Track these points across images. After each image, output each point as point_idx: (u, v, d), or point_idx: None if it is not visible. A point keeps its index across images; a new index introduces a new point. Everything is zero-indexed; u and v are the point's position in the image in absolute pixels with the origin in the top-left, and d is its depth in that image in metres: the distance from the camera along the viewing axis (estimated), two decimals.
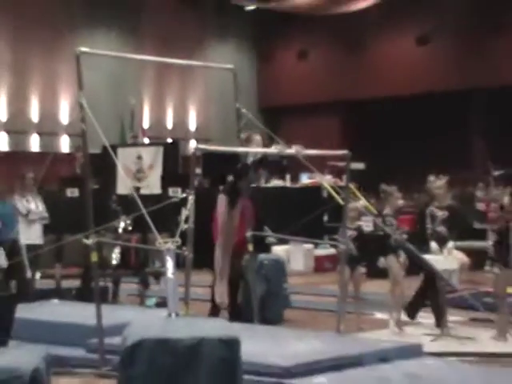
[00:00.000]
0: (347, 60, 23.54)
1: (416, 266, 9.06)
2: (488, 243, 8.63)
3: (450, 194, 9.57)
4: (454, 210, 8.92)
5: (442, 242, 8.61)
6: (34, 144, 20.25)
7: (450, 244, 8.62)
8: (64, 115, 20.62)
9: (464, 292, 9.01)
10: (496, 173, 11.27)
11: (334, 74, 23.64)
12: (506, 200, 8.68)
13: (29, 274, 9.12)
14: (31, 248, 9.28)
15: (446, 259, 8.52)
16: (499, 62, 20.78)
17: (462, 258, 8.75)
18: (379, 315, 9.48)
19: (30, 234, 9.49)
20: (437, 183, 8.96)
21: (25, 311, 6.55)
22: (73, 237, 9.85)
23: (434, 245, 8.61)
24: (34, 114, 20.30)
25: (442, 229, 8.65)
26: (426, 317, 9.56)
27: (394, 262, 8.78)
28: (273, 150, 7.06)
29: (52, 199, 10.15)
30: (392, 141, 22.45)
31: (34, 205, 9.65)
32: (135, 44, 21.18)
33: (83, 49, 6.51)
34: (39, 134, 20.20)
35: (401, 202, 12.76)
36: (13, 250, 9.14)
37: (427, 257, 8.50)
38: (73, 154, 16.21)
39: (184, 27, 23.00)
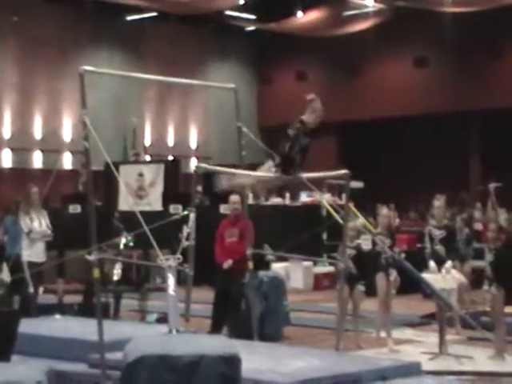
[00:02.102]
0: (346, 81, 23.70)
1: (414, 285, 9.13)
2: (485, 263, 8.69)
3: (448, 214, 9.67)
4: (452, 230, 9.01)
5: (440, 262, 8.69)
6: (37, 161, 20.39)
7: (448, 264, 8.69)
8: (67, 133, 20.78)
9: (462, 311, 9.07)
10: (493, 185, 11.39)
11: (332, 95, 23.72)
12: (503, 220, 8.77)
13: (31, 289, 9.14)
14: (33, 264, 9.33)
15: (444, 278, 8.59)
16: (496, 86, 20.96)
17: (459, 277, 8.83)
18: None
19: (32, 252, 9.48)
20: (435, 203, 9.06)
21: (27, 326, 6.60)
22: (75, 253, 9.94)
23: (432, 264, 8.69)
24: (38, 132, 20.47)
25: (440, 248, 8.74)
26: (424, 335, 9.63)
27: (382, 280, 8.87)
28: (273, 174, 7.07)
29: (54, 215, 10.21)
30: (390, 162, 22.59)
31: (38, 223, 9.59)
32: (137, 64, 21.39)
33: (87, 68, 6.58)
34: (42, 151, 20.34)
35: (397, 221, 12.87)
36: (16, 265, 9.20)
37: (425, 276, 8.57)
38: (76, 171, 16.33)
39: (185, 48, 23.22)
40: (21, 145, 20.02)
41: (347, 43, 22.46)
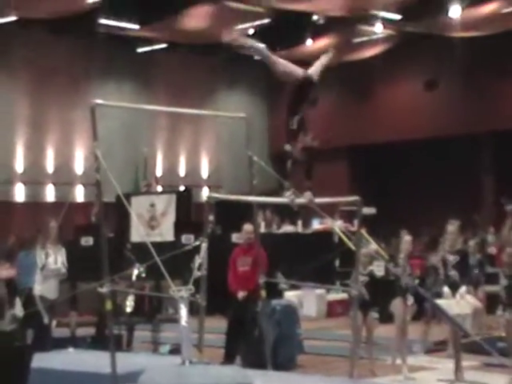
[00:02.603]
0: (356, 106, 23.77)
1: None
2: (500, 288, 8.61)
3: (462, 239, 9.61)
4: (466, 255, 8.96)
5: (454, 287, 8.63)
6: (50, 194, 20.48)
7: (463, 289, 8.62)
8: (79, 165, 20.88)
9: (477, 337, 8.97)
10: (510, 207, 11.30)
11: (343, 120, 23.86)
12: None
13: (46, 320, 9.13)
14: (45, 299, 9.32)
15: (459, 304, 8.52)
16: (506, 107, 20.95)
17: (474, 302, 8.76)
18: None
19: (44, 288, 9.46)
20: (449, 228, 9.02)
21: (41, 361, 6.60)
22: (87, 285, 9.93)
23: (446, 289, 8.62)
24: (50, 165, 20.58)
25: (453, 273, 8.68)
26: (440, 362, 9.54)
27: (399, 306, 8.81)
28: (284, 199, 7.09)
29: (67, 248, 10.18)
30: (401, 185, 22.54)
31: (54, 259, 9.54)
32: (147, 94, 21.52)
33: (98, 101, 6.63)
34: (54, 184, 20.44)
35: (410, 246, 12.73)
36: (29, 299, 9.21)
37: (440, 302, 8.50)
38: (88, 203, 16.37)
39: (195, 77, 23.35)
40: (33, 178, 20.13)
41: (357, 68, 22.55)
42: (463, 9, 18.35)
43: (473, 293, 10.07)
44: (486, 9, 18.47)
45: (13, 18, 18.40)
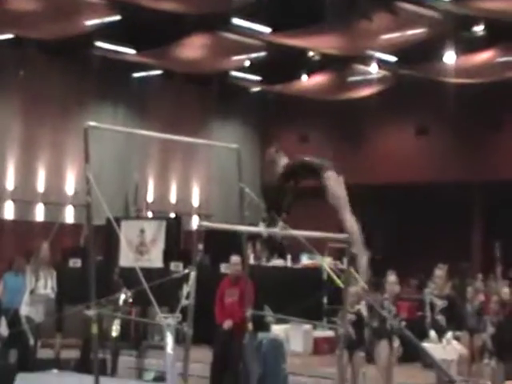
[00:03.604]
0: (348, 146, 23.84)
1: (414, 354, 9.04)
2: (486, 336, 8.63)
3: (450, 284, 9.64)
4: (454, 300, 8.98)
5: (440, 332, 8.63)
6: (39, 214, 20.40)
7: (449, 334, 8.63)
8: (70, 187, 20.84)
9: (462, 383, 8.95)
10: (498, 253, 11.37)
11: (334, 159, 23.82)
12: (505, 293, 8.74)
13: (32, 341, 9.05)
14: (31, 320, 9.25)
15: (445, 349, 8.51)
16: (498, 158, 21.09)
17: (460, 349, 8.76)
18: None
19: (32, 310, 9.38)
20: (437, 272, 9.06)
21: (24, 381, 6.54)
22: (74, 307, 9.86)
23: (432, 334, 8.62)
24: (41, 185, 20.53)
25: (440, 318, 8.69)
26: None
27: (385, 348, 8.80)
28: (259, 229, 7.06)
29: (55, 269, 10.12)
30: (391, 228, 22.59)
31: (43, 283, 9.46)
32: (141, 121, 21.57)
33: (92, 123, 6.65)
34: (45, 203, 20.37)
35: (397, 288, 12.76)
36: (14, 319, 9.13)
37: (426, 345, 8.50)
38: (78, 225, 16.30)
39: (189, 105, 23.46)
40: (23, 197, 20.06)
41: (350, 108, 22.70)
42: (458, 55, 18.60)
43: (468, 340, 10.05)
44: (481, 57, 18.74)
45: (8, 36, 18.45)
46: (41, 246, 9.48)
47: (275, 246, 16.37)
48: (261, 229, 7.45)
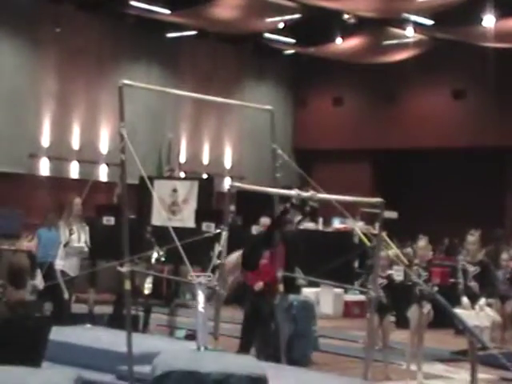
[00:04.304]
0: (382, 109, 23.70)
1: (446, 320, 9.02)
2: None
3: (483, 250, 9.58)
4: (486, 266, 8.93)
5: (473, 298, 8.60)
6: (74, 171, 20.59)
7: (482, 301, 8.58)
8: (104, 145, 20.98)
9: (495, 350, 8.91)
10: None
11: (368, 122, 23.80)
12: None
13: (66, 295, 9.19)
14: (66, 274, 9.39)
15: (478, 316, 8.47)
16: None
17: (493, 315, 8.72)
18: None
19: (66, 264, 9.51)
20: (469, 238, 8.99)
21: (58, 334, 6.64)
22: (107, 264, 9.99)
23: (465, 300, 8.59)
24: (75, 142, 20.69)
25: (473, 284, 8.65)
26: (456, 372, 9.50)
27: (415, 313, 8.80)
28: (291, 192, 7.05)
29: (88, 226, 10.24)
30: (424, 192, 22.46)
31: (77, 236, 9.53)
32: (174, 80, 21.53)
33: (126, 81, 6.63)
34: (79, 161, 20.55)
35: (430, 254, 12.73)
36: (49, 272, 9.28)
37: (458, 311, 8.47)
38: (111, 183, 16.43)
39: (223, 66, 23.38)
40: (58, 154, 20.22)
41: (385, 71, 22.48)
42: (497, 19, 18.23)
43: (499, 307, 10.00)
44: None
45: None
46: (73, 201, 9.55)
47: (306, 210, 16.37)
48: (293, 192, 7.46)
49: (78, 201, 9.56)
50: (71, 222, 9.56)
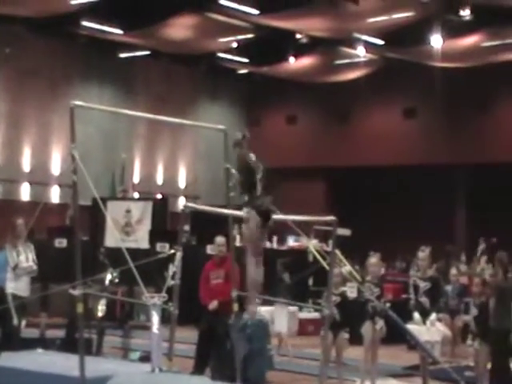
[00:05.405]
0: (335, 127, 23.95)
1: (399, 336, 9.12)
2: (470, 317, 8.73)
3: (434, 266, 9.72)
4: (437, 282, 9.06)
5: (424, 314, 8.71)
6: (25, 193, 20.32)
7: (433, 316, 8.71)
8: (55, 166, 20.76)
9: (445, 365, 9.04)
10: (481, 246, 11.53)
11: (321, 140, 24.01)
12: (487, 275, 8.83)
13: (15, 321, 9.06)
14: (17, 297, 9.26)
15: (429, 331, 8.60)
16: (484, 140, 21.22)
17: (444, 330, 8.85)
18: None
19: (17, 286, 9.41)
20: (420, 254, 9.13)
21: (9, 360, 6.56)
22: (59, 287, 9.85)
23: (416, 316, 8.71)
24: (26, 164, 20.44)
25: (424, 300, 8.77)
26: None
27: (368, 329, 8.89)
28: (243, 213, 7.01)
29: (40, 248, 10.12)
30: (377, 209, 22.71)
31: (25, 256, 9.47)
32: (128, 101, 21.46)
33: (78, 102, 6.61)
34: (30, 183, 20.28)
35: (382, 270, 12.88)
36: (0, 297, 9.13)
37: (410, 327, 8.58)
38: (63, 205, 16.26)
39: (176, 87, 23.40)
40: (9, 176, 19.98)
41: (337, 90, 22.76)
42: (445, 39, 18.62)
43: (449, 321, 10.14)
44: (467, 41, 18.77)
45: None
46: (15, 222, 9.50)
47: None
48: (245, 213, 7.45)
49: (20, 221, 9.52)
50: (16, 243, 9.48)
